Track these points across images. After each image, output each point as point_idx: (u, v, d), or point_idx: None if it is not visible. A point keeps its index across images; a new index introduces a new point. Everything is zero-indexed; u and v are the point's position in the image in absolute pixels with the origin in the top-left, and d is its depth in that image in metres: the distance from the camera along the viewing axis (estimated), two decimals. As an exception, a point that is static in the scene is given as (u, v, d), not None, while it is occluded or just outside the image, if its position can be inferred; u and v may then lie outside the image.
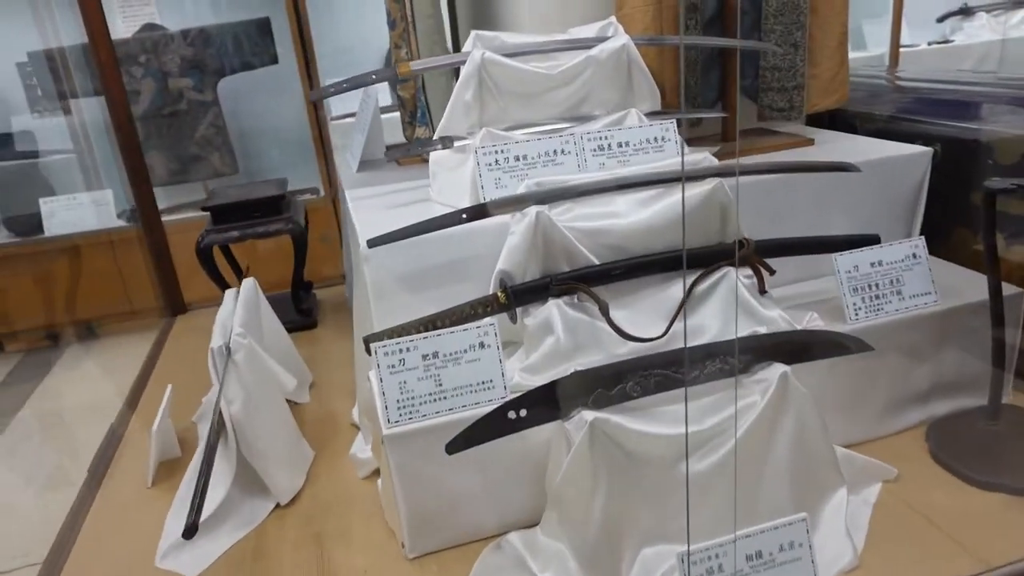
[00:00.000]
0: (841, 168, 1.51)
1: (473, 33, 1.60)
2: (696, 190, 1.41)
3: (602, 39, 1.63)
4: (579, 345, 1.34)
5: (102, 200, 3.88)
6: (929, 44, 4.18)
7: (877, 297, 1.46)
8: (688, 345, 1.34)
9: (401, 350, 1.24)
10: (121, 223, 3.91)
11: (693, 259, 1.42)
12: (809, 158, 1.74)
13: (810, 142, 1.84)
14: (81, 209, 3.96)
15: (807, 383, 1.25)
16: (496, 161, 1.47)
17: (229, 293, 1.78)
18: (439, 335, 1.26)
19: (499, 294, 1.34)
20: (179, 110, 4.06)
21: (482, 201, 1.46)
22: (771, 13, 1.78)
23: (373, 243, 1.33)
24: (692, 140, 1.82)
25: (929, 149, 1.67)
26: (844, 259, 1.45)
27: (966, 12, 4.10)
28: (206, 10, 4.13)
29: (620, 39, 1.61)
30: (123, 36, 3.90)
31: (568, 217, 1.39)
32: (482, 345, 1.27)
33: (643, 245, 1.41)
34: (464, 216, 1.35)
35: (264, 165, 4.45)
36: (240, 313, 1.59)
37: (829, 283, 1.50)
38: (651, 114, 1.66)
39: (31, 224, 3.93)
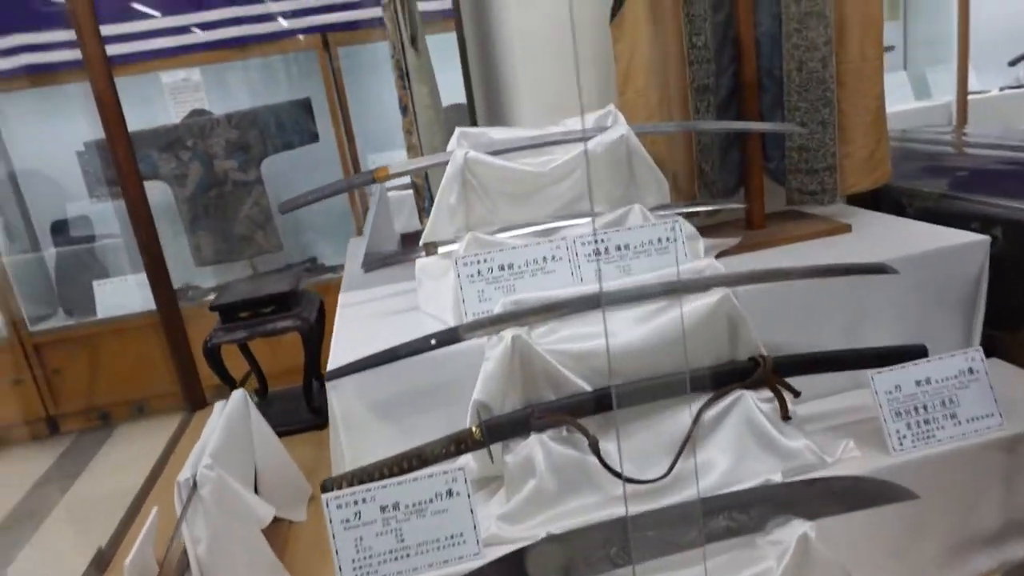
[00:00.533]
0: (874, 270, 1.30)
1: (457, 130, 1.50)
2: (699, 302, 1.24)
3: (601, 129, 1.50)
4: (567, 486, 1.17)
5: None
6: (1001, 90, 3.88)
7: (927, 422, 1.23)
8: (689, 490, 1.15)
9: (356, 502, 1.10)
10: (169, 302, 3.99)
11: (699, 382, 1.24)
12: (844, 248, 1.54)
13: (846, 228, 1.63)
14: (130, 291, 4.06)
15: (839, 531, 1.04)
16: (478, 272, 1.34)
17: (218, 407, 1.69)
18: (400, 483, 1.11)
19: (474, 429, 1.19)
20: (224, 191, 4.14)
21: (463, 316, 1.33)
22: (794, 89, 1.60)
23: (332, 375, 1.21)
24: (710, 229, 1.64)
25: (986, 238, 1.44)
26: (883, 378, 1.24)
27: (1041, 54, 3.78)
28: (251, 93, 4.23)
29: (618, 129, 1.47)
30: (173, 122, 4.04)
31: (554, 339, 1.24)
32: (450, 493, 1.12)
33: (640, 368, 1.24)
34: (433, 342, 1.22)
35: (308, 240, 4.48)
36: (216, 437, 1.49)
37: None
38: (659, 208, 1.51)
39: (85, 306, 4.05)
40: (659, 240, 1.39)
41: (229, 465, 1.47)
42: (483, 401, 1.21)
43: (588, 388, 1.22)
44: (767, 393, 1.24)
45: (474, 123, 2.47)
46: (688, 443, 1.19)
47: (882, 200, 1.86)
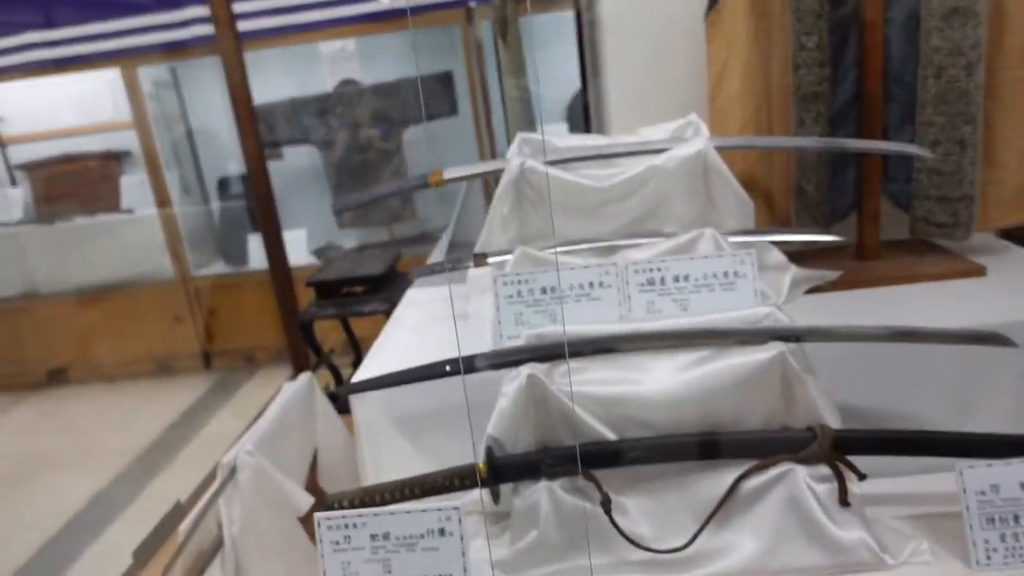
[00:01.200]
0: (984, 340, 1.06)
1: (518, 136, 1.40)
2: (750, 357, 1.07)
3: (679, 140, 1.34)
4: (574, 542, 1.08)
5: (297, 238, 4.25)
6: None
7: (1028, 536, 0.99)
8: (708, 569, 1.01)
9: (347, 526, 1.08)
10: (312, 260, 4.29)
11: (741, 447, 1.08)
12: (969, 297, 1.28)
13: (979, 271, 1.35)
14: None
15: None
16: (518, 293, 1.25)
17: (286, 386, 1.75)
18: (393, 513, 1.07)
19: (481, 465, 1.12)
20: (367, 158, 4.31)
21: (499, 338, 1.25)
22: (929, 100, 1.33)
23: (347, 391, 1.19)
24: (809, 257, 1.42)
25: None
26: (976, 473, 1.01)
27: None
28: (397, 65, 4.32)
29: (695, 144, 1.30)
30: (326, 91, 4.24)
31: (580, 379, 1.13)
32: (442, 532, 1.06)
33: (674, 421, 1.10)
34: (448, 369, 1.16)
35: (440, 211, 4.57)
36: (265, 423, 1.53)
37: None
38: (741, 233, 1.33)
39: (242, 257, 4.43)
40: (724, 274, 1.22)
41: (275, 450, 1.51)
42: (496, 437, 1.13)
43: (612, 436, 1.11)
44: (825, 470, 1.06)
45: (586, 113, 2.35)
46: (717, 515, 1.05)
47: (1046, 235, 1.53)
